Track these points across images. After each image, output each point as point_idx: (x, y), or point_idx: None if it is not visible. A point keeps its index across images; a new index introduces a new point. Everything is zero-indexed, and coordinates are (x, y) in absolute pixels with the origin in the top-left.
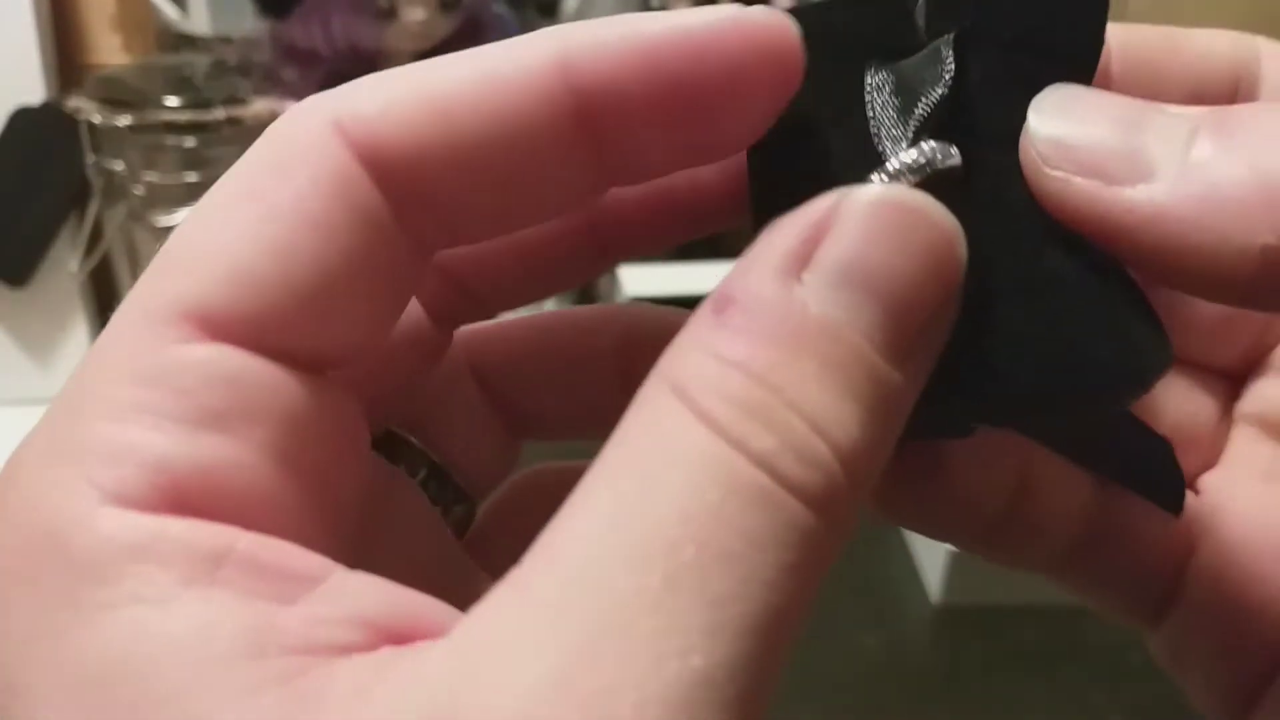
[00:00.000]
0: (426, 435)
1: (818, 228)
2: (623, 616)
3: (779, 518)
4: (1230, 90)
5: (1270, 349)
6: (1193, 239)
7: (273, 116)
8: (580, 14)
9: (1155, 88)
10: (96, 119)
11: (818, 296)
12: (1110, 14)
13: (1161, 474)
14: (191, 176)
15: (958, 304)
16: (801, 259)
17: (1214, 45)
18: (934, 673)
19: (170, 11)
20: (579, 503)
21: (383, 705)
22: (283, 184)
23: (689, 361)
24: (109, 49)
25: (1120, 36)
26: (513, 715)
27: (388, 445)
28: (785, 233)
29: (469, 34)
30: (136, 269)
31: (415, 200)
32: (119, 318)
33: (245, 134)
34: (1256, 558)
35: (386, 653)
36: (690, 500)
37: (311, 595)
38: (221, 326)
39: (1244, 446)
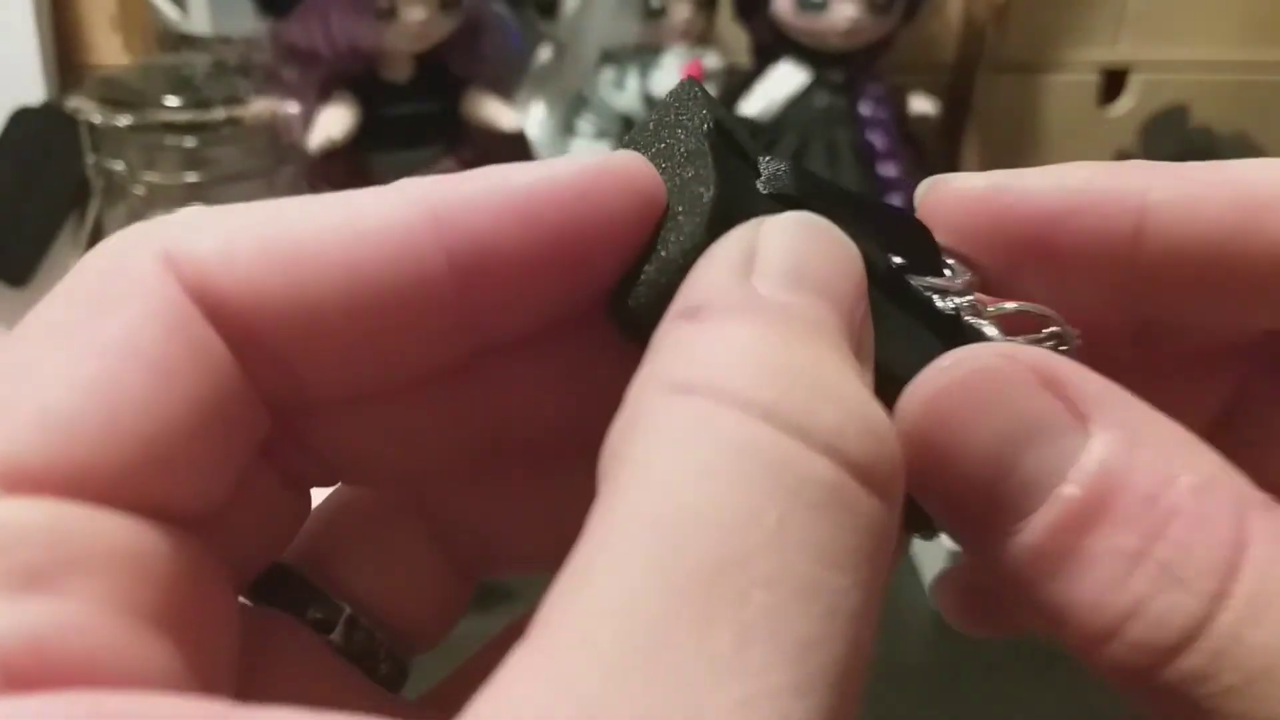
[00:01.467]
0: (340, 572)
1: (748, 244)
2: (693, 696)
3: (854, 520)
4: None
5: None
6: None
7: (273, 116)
8: (579, 16)
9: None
10: (96, 119)
11: (779, 294)
12: (1109, 13)
13: None
14: (191, 177)
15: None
16: (746, 268)
17: None
18: (934, 674)
19: (170, 11)
20: (593, 550)
21: None
22: (106, 319)
23: (683, 361)
24: (109, 49)
25: None
26: None
27: (279, 584)
28: (722, 252)
29: (468, 34)
30: None
31: (256, 351)
32: None
33: (245, 134)
34: None
35: None
36: (743, 520)
37: None
38: (36, 479)
39: None
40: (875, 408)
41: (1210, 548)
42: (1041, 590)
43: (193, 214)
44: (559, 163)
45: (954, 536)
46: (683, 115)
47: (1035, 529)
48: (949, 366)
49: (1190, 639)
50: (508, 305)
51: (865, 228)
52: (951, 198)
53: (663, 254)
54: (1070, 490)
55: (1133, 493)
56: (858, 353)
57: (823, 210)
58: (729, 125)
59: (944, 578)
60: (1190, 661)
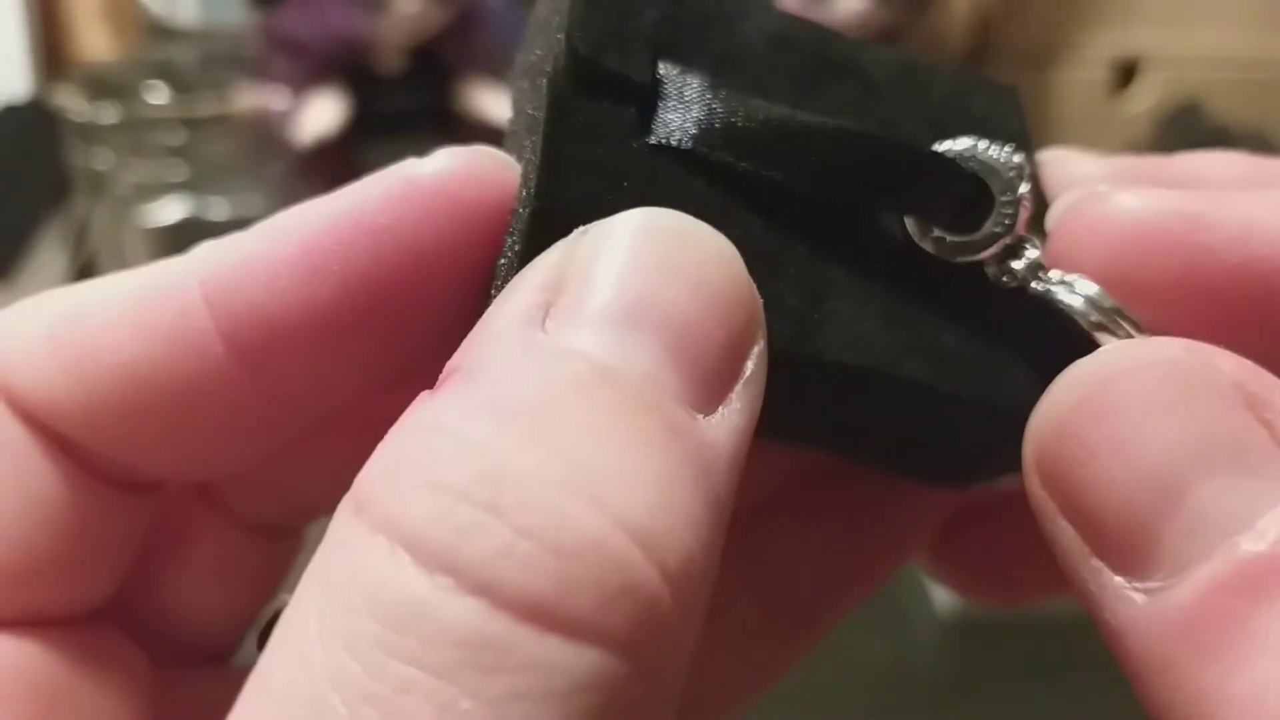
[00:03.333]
0: None
1: (558, 270)
2: None
3: (518, 682)
4: None
5: None
6: None
7: (262, 110)
8: None
9: None
10: (83, 113)
11: (575, 342)
12: (1117, 13)
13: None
14: (179, 171)
15: (763, 334)
16: (545, 308)
17: None
18: (940, 684)
19: (158, 4)
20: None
21: None
22: None
23: (381, 459)
24: (96, 42)
25: None
26: None
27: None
28: (518, 288)
29: (461, 25)
30: (122, 264)
31: (77, 449)
32: None
33: (234, 128)
34: None
35: None
36: (356, 708)
37: None
38: None
39: None
40: (657, 515)
41: None
42: (1178, 671)
43: (11, 313)
44: (350, 194)
45: (1071, 576)
46: (554, 22)
47: (1191, 587)
48: (1122, 351)
49: None
50: (325, 376)
51: (855, 182)
52: (1116, 226)
53: (501, 262)
54: (1254, 545)
55: None
56: (706, 390)
57: (760, 160)
58: (605, 35)
59: (945, 534)
60: None
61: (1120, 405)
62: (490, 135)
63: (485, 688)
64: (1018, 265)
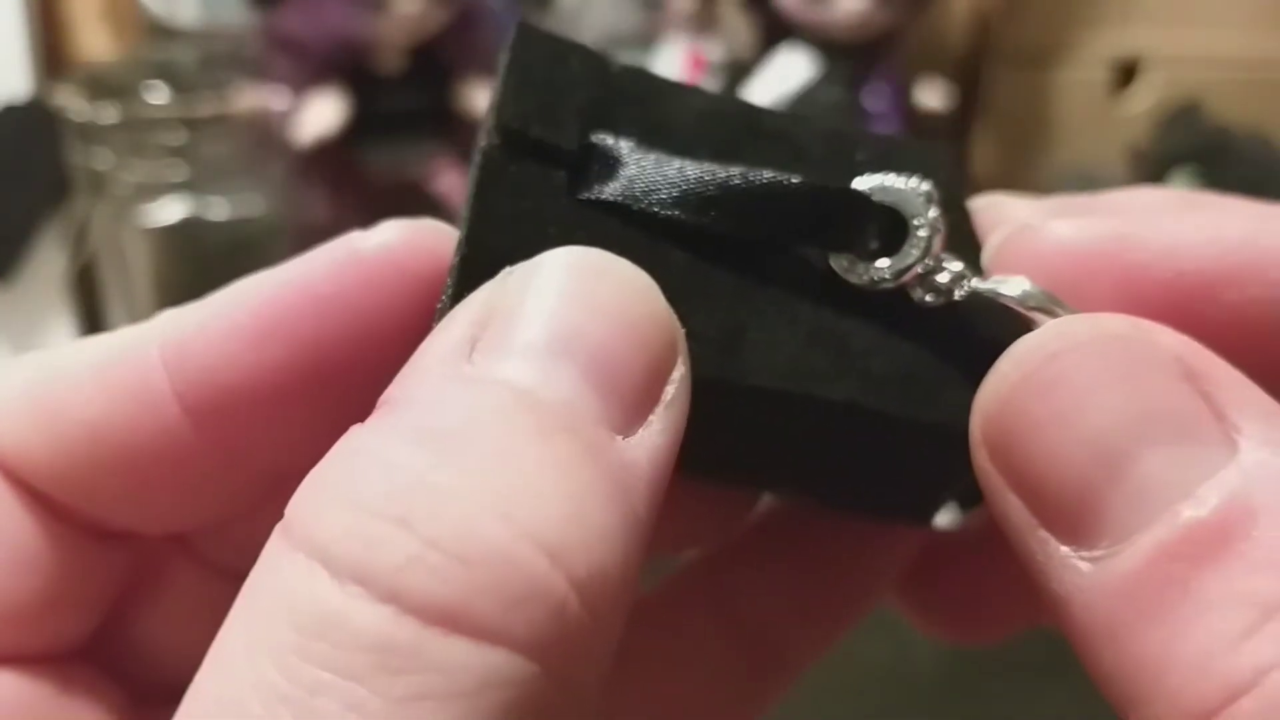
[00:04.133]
0: None
1: (486, 307)
2: None
3: (425, 682)
4: None
5: None
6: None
7: (262, 110)
8: (576, 6)
9: None
10: (83, 113)
11: (499, 372)
12: (1116, 13)
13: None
14: (179, 171)
15: (684, 360)
16: (473, 342)
17: None
18: (939, 682)
19: (158, 4)
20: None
21: None
22: None
23: (307, 483)
24: (96, 42)
25: None
26: None
27: None
28: (448, 325)
29: (462, 26)
30: (122, 264)
31: (45, 498)
32: None
33: (234, 128)
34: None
35: None
36: (271, 678)
37: None
38: None
39: None
40: (567, 528)
41: None
42: (1124, 637)
43: None
44: (300, 264)
45: (1019, 549)
46: (491, 102)
47: (1135, 554)
48: (1066, 326)
49: None
50: (279, 434)
51: (775, 221)
52: (1052, 251)
53: (438, 307)
54: (1195, 511)
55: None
56: (625, 413)
57: (683, 210)
58: (533, 109)
59: (912, 576)
60: None
61: (1065, 379)
62: None
63: (393, 688)
64: (943, 279)
